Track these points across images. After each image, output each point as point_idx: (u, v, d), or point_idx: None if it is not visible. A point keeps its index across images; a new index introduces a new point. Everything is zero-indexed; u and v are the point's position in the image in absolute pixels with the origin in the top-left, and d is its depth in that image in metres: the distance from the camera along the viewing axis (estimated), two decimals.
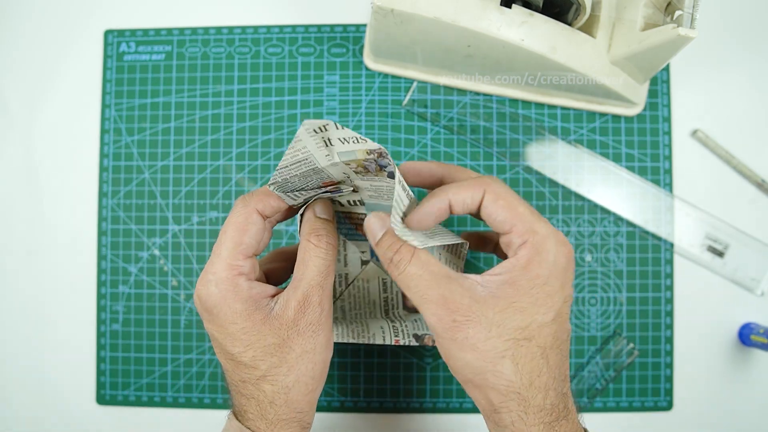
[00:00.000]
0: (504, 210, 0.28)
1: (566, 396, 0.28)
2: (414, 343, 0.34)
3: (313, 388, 0.30)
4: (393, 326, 0.35)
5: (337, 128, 0.29)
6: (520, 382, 0.26)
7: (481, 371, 0.27)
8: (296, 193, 0.33)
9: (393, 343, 0.33)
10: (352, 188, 0.34)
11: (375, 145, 0.29)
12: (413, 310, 0.36)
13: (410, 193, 0.31)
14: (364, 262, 0.38)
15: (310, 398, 0.30)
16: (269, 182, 0.31)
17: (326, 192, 0.33)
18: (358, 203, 0.36)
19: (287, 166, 0.31)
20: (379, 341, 0.34)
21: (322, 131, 0.29)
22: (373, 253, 0.38)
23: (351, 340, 0.34)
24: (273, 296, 0.30)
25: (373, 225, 0.30)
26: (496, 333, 0.26)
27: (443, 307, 0.27)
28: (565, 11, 0.38)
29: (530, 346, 0.27)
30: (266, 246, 0.32)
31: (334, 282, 0.36)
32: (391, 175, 0.30)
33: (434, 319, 0.27)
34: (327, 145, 0.30)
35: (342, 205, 0.37)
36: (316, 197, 0.34)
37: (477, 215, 0.30)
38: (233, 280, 0.29)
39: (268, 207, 0.31)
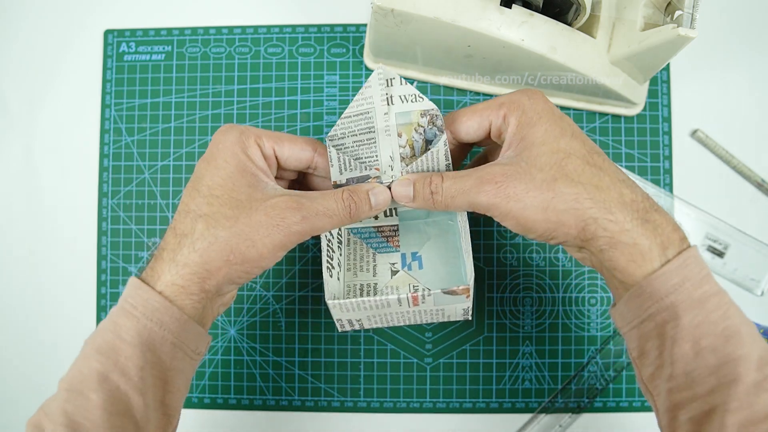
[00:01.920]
0: (471, 118, 0.32)
1: (646, 195, 0.29)
2: (437, 290, 0.31)
3: (231, 262, 0.28)
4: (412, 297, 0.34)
5: (402, 84, 0.33)
6: (585, 190, 0.27)
7: (546, 204, 0.28)
8: (346, 161, 0.34)
9: (411, 298, 0.32)
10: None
11: (430, 105, 0.33)
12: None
13: (449, 164, 0.33)
14: (393, 272, 0.38)
15: (222, 268, 0.29)
16: (329, 134, 0.33)
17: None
18: (393, 213, 0.38)
19: (350, 117, 0.33)
20: (393, 297, 0.32)
21: (389, 84, 0.33)
22: (404, 263, 0.38)
23: (358, 299, 0.32)
24: (269, 181, 0.31)
25: (400, 190, 0.32)
26: (537, 170, 0.28)
27: (483, 183, 0.29)
28: (565, 11, 0.38)
29: (572, 160, 0.28)
30: (294, 167, 0.34)
31: (361, 290, 0.37)
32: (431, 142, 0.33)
33: (483, 196, 0.29)
34: (389, 103, 0.33)
35: (377, 218, 0.38)
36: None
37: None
38: (251, 143, 0.31)
39: (321, 163, 0.34)
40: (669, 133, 0.45)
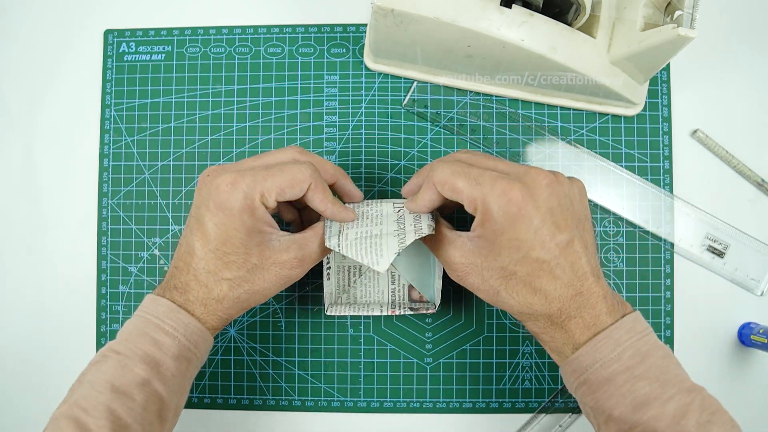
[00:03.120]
0: (451, 192, 0.33)
1: (581, 295, 0.31)
2: (408, 311, 0.39)
3: (245, 309, 0.36)
4: (392, 303, 0.41)
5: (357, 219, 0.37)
6: (519, 307, 0.32)
7: (499, 304, 0.33)
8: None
9: (389, 313, 0.39)
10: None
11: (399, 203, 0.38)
12: (417, 301, 0.41)
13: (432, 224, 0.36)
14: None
15: (239, 312, 0.36)
16: (325, 240, 0.36)
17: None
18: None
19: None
20: (376, 312, 0.39)
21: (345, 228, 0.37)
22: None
23: (352, 313, 0.40)
24: (273, 230, 0.35)
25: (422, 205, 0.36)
26: (488, 275, 0.32)
27: (449, 268, 0.34)
28: (565, 11, 0.38)
29: (513, 280, 0.32)
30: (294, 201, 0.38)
31: (349, 271, 0.42)
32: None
33: (454, 276, 0.34)
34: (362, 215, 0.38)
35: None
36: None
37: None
38: (257, 204, 0.33)
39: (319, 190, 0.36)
40: (669, 133, 0.45)
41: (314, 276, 0.44)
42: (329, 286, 0.40)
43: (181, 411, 0.35)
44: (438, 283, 0.39)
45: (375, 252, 0.34)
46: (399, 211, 0.37)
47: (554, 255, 0.31)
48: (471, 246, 0.33)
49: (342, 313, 0.39)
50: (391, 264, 0.40)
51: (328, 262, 0.40)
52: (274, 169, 0.33)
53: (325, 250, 0.36)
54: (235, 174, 0.33)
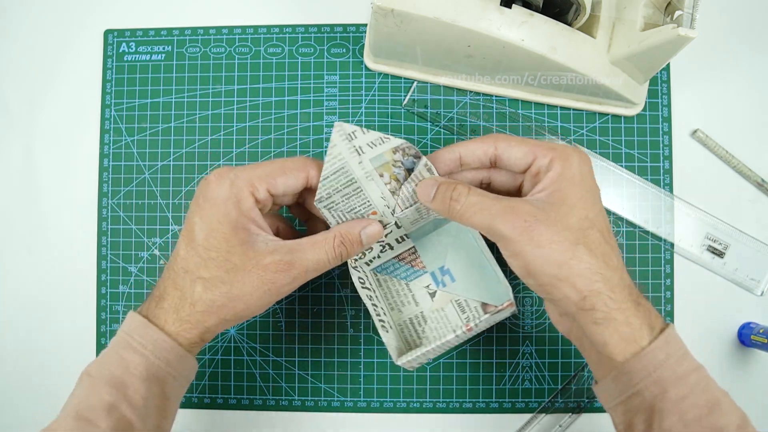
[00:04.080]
0: (520, 146, 0.32)
1: (635, 284, 0.30)
2: (483, 318, 0.34)
3: (228, 320, 0.32)
4: (465, 320, 0.38)
5: (364, 133, 0.34)
6: (597, 264, 0.29)
7: (563, 261, 0.28)
8: (339, 216, 0.35)
9: (466, 331, 0.34)
10: (394, 222, 0.36)
11: (398, 141, 0.34)
12: (485, 313, 0.36)
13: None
14: (432, 294, 0.39)
15: (219, 325, 0.32)
16: (316, 198, 0.34)
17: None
18: (405, 238, 0.39)
19: (327, 177, 0.34)
20: (451, 338, 0.34)
21: (351, 138, 0.34)
22: (436, 282, 0.40)
23: (427, 355, 0.35)
24: (262, 232, 0.32)
25: (423, 190, 0.33)
26: (563, 227, 0.29)
27: (512, 214, 0.29)
28: (565, 11, 0.38)
29: (594, 232, 0.29)
30: (291, 198, 0.35)
31: (412, 324, 0.39)
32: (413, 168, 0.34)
33: (507, 226, 0.29)
34: (359, 153, 0.34)
35: (392, 248, 0.39)
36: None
37: (494, 166, 0.34)
38: (245, 195, 0.31)
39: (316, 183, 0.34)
40: (669, 133, 0.45)
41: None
42: (390, 339, 0.36)
43: None
44: (502, 276, 0.36)
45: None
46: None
47: (610, 228, 0.31)
48: (539, 203, 0.30)
49: (418, 358, 0.35)
50: (451, 293, 0.39)
51: (377, 313, 0.37)
52: (266, 161, 0.32)
53: (323, 262, 0.33)
54: (226, 167, 0.32)
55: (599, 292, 0.28)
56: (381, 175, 0.35)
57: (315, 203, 0.34)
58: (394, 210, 0.35)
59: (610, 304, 0.28)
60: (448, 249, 0.40)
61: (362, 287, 0.37)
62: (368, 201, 0.35)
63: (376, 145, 0.34)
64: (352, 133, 0.34)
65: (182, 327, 0.31)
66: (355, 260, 0.38)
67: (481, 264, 0.39)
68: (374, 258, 0.39)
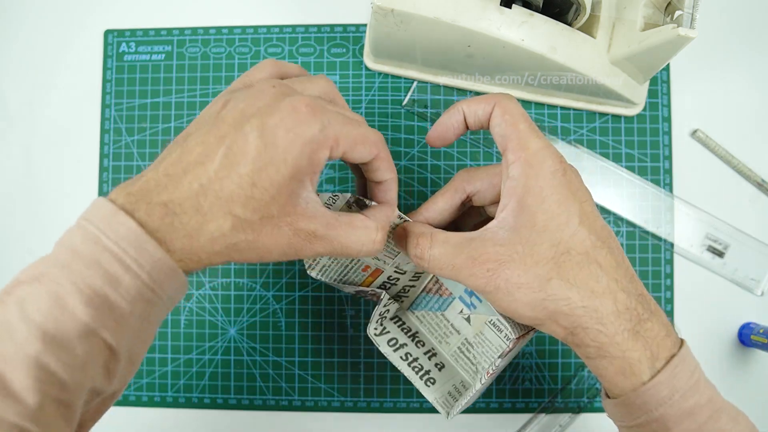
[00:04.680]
0: (507, 125, 0.28)
1: (643, 297, 0.27)
2: (503, 346, 0.33)
3: (234, 259, 0.26)
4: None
5: (337, 197, 0.31)
6: (578, 296, 0.26)
7: (536, 303, 0.26)
8: (341, 285, 0.35)
9: (486, 376, 0.32)
10: (394, 269, 0.36)
11: (346, 196, 0.31)
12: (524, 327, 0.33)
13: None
14: (467, 319, 0.39)
15: (228, 259, 0.26)
16: (306, 266, 0.33)
17: (376, 287, 0.36)
18: (421, 275, 0.38)
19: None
20: (478, 387, 0.32)
21: (332, 202, 0.31)
22: (467, 305, 0.38)
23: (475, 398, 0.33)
24: (310, 188, 0.27)
25: (397, 239, 0.31)
26: (532, 262, 0.26)
27: (474, 265, 0.27)
28: (565, 11, 0.38)
29: (573, 256, 0.26)
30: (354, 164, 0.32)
31: (464, 352, 0.38)
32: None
33: (473, 280, 0.27)
34: None
35: (417, 278, 0.39)
36: (369, 292, 0.36)
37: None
38: (326, 147, 0.26)
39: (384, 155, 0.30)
40: (669, 133, 0.45)
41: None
42: (434, 392, 0.34)
43: (140, 360, 0.27)
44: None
45: None
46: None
47: (605, 236, 0.27)
48: (504, 233, 0.27)
49: (465, 405, 0.33)
50: (484, 314, 0.38)
51: (418, 367, 0.36)
52: (352, 120, 0.27)
53: (356, 248, 0.28)
54: (315, 101, 0.26)
55: (585, 327, 0.26)
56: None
57: (308, 271, 0.33)
58: (385, 260, 0.34)
59: (601, 338, 0.26)
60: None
61: (394, 350, 0.35)
62: (359, 261, 0.35)
63: (331, 205, 0.31)
64: (332, 197, 0.31)
65: (190, 256, 0.25)
66: (378, 322, 0.36)
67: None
68: (404, 294, 0.39)
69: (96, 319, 0.24)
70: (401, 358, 0.36)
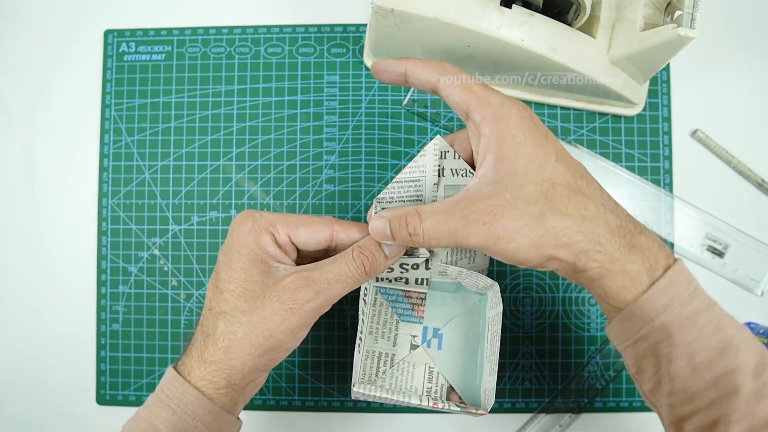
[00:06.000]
0: (459, 90, 0.29)
1: (630, 216, 0.29)
2: (455, 408, 0.32)
3: (253, 355, 0.30)
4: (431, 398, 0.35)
5: (455, 158, 0.32)
6: (573, 223, 0.27)
7: (539, 241, 0.27)
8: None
9: (431, 406, 0.32)
10: (427, 257, 0.35)
11: None
12: (458, 404, 0.34)
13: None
14: (413, 347, 0.38)
15: (246, 362, 0.30)
16: (377, 196, 0.33)
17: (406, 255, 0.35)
18: (424, 282, 0.38)
19: (401, 182, 0.33)
20: (414, 402, 0.33)
21: (443, 157, 0.32)
22: (424, 338, 0.38)
23: (384, 397, 0.33)
24: (282, 264, 0.32)
25: (376, 225, 0.31)
26: (523, 203, 0.27)
27: (469, 223, 0.27)
28: (565, 11, 0.38)
29: (558, 189, 0.27)
30: (314, 248, 0.34)
31: (379, 359, 0.37)
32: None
33: (472, 238, 0.27)
34: (440, 175, 0.33)
35: (407, 282, 0.38)
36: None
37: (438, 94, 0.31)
38: (264, 232, 0.31)
39: (342, 238, 0.33)
40: (669, 133, 0.45)
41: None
42: (358, 361, 0.33)
43: None
44: (488, 383, 0.33)
45: None
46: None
47: (581, 169, 0.29)
48: (488, 186, 0.28)
49: (371, 396, 0.32)
50: (429, 357, 0.37)
51: (361, 330, 0.34)
52: (294, 214, 0.33)
53: (345, 274, 0.30)
54: (253, 209, 0.33)
55: (585, 251, 0.27)
56: None
57: (375, 200, 0.33)
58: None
59: (600, 258, 0.27)
60: (453, 317, 0.38)
61: (362, 298, 0.35)
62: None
63: (459, 175, 0.32)
64: (446, 152, 0.32)
65: (207, 371, 0.30)
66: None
67: (473, 354, 0.37)
68: (388, 279, 0.38)
69: None
70: (361, 309, 0.34)
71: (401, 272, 0.37)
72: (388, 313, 0.38)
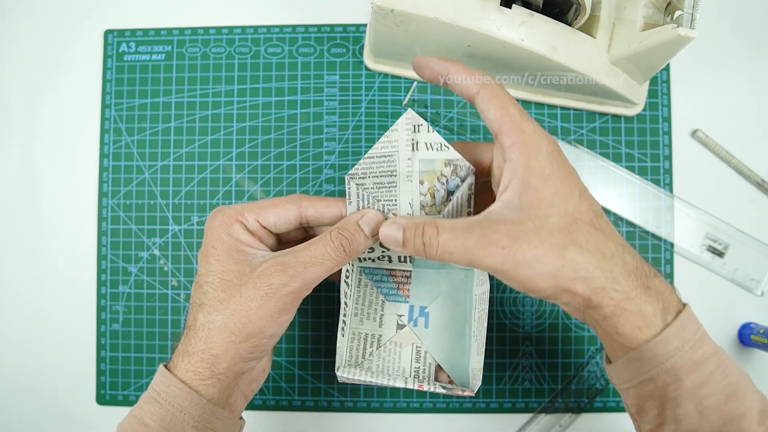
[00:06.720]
0: (495, 109, 0.29)
1: (643, 260, 0.29)
2: (440, 390, 0.33)
3: (234, 342, 0.30)
4: (417, 380, 0.35)
5: (429, 131, 0.32)
6: (593, 259, 0.27)
7: (558, 271, 0.27)
8: (365, 198, 0.34)
9: (416, 387, 0.33)
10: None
11: (455, 155, 0.32)
12: (445, 385, 0.34)
13: (471, 211, 0.33)
14: (400, 326, 0.38)
15: (228, 350, 0.30)
16: (350, 171, 0.33)
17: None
18: (408, 260, 0.38)
19: (373, 157, 0.33)
20: (399, 384, 0.33)
21: (416, 130, 0.32)
22: (410, 317, 0.38)
23: (368, 380, 0.33)
24: (258, 250, 0.32)
25: (388, 232, 0.31)
26: (546, 233, 0.27)
27: (488, 244, 0.27)
28: (565, 11, 0.38)
29: (580, 225, 0.28)
30: (286, 229, 0.34)
31: (365, 340, 0.37)
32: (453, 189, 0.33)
33: (489, 260, 0.27)
34: (414, 149, 0.32)
35: (391, 261, 0.38)
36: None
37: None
38: (233, 221, 0.32)
39: (311, 213, 0.34)
40: (669, 133, 0.45)
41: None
42: (342, 345, 0.34)
43: None
44: (476, 363, 0.33)
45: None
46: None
47: (599, 209, 0.29)
48: (511, 212, 0.28)
49: (356, 379, 0.33)
50: (416, 336, 0.37)
51: (344, 314, 0.35)
52: (262, 200, 0.33)
53: (322, 256, 0.30)
54: (218, 207, 0.34)
55: (602, 288, 0.27)
56: (421, 182, 0.33)
57: (347, 176, 0.33)
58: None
59: (617, 297, 0.27)
60: (440, 295, 0.38)
61: (344, 281, 0.35)
62: (395, 200, 0.33)
63: (433, 149, 0.32)
64: (419, 126, 0.32)
65: (191, 362, 0.30)
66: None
67: (460, 332, 0.36)
68: (371, 258, 0.37)
69: None
70: (344, 292, 0.35)
71: (383, 251, 0.36)
72: (374, 294, 0.38)
